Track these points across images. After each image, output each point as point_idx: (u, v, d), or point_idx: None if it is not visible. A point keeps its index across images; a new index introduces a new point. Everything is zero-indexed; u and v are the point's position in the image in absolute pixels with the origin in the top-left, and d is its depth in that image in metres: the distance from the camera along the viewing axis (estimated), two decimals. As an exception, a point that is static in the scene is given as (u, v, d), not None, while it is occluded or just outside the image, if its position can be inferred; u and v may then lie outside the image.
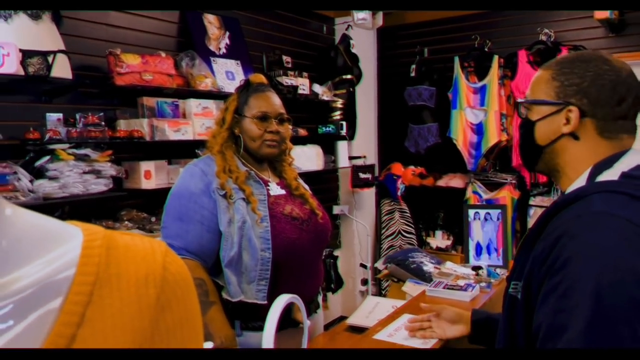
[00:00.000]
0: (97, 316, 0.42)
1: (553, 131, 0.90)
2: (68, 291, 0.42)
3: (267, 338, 0.81)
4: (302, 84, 3.26)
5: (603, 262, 0.73)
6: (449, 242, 3.87)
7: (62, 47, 2.01)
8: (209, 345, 0.67)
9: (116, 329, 0.42)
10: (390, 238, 3.98)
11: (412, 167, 4.00)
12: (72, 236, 0.45)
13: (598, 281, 0.72)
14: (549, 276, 0.78)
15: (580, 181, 0.87)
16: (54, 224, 0.46)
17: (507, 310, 0.89)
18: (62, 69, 1.96)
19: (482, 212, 1.97)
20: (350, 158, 3.79)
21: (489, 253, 1.95)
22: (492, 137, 3.55)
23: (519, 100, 0.99)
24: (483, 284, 1.77)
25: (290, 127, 1.62)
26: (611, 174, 0.84)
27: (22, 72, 1.84)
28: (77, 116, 2.12)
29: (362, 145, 4.00)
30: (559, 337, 0.74)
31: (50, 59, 1.91)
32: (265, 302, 1.43)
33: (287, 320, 1.19)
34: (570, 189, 0.89)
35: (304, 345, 0.99)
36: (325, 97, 3.48)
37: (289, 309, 1.16)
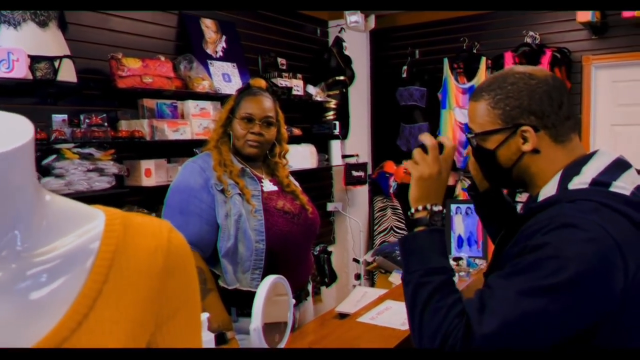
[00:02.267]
0: (118, 276, 0.54)
1: (514, 152, 0.95)
2: (95, 257, 0.54)
3: (256, 312, 0.93)
4: (297, 85, 3.38)
5: (567, 256, 0.80)
6: (439, 238, 3.99)
7: (68, 52, 2.13)
8: (204, 315, 0.78)
9: (132, 286, 0.55)
10: (382, 234, 4.11)
11: (404, 165, 4.11)
12: (96, 216, 0.58)
13: (557, 270, 0.79)
14: (514, 260, 0.85)
15: (551, 188, 0.93)
16: (81, 207, 0.59)
17: None
18: (67, 72, 2.08)
19: (463, 206, 2.09)
20: (344, 157, 3.91)
21: (469, 245, 2.08)
22: (480, 136, 3.67)
23: (469, 136, 1.01)
24: (462, 273, 1.89)
25: (278, 129, 1.71)
26: (582, 182, 0.88)
27: (30, 77, 1.96)
28: (81, 117, 2.24)
29: (355, 144, 4.12)
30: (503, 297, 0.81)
31: (56, 63, 2.03)
32: (259, 289, 1.55)
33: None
34: (542, 194, 0.95)
35: (290, 319, 1.10)
36: (318, 98, 3.60)
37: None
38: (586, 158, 0.92)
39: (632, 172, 0.91)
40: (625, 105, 3.48)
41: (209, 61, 2.86)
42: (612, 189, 0.86)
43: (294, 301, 1.15)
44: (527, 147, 0.94)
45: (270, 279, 1.02)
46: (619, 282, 0.80)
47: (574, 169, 0.91)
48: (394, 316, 1.54)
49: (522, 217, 0.93)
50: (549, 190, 0.93)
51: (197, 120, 2.61)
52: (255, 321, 0.93)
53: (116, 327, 0.52)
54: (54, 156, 2.12)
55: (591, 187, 0.87)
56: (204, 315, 0.82)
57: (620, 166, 0.90)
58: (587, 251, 0.79)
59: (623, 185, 0.86)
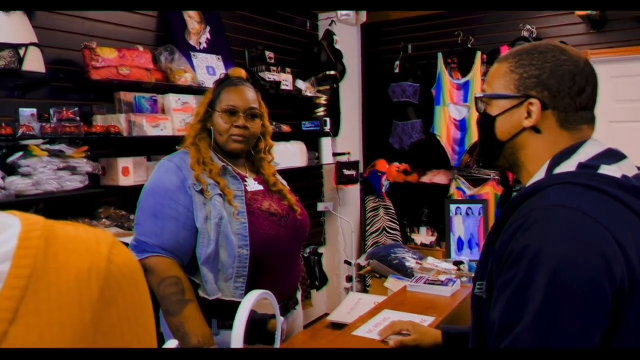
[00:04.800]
0: (32, 312, 0.39)
1: (514, 125, 0.88)
2: (2, 285, 0.39)
3: (236, 336, 0.78)
4: (285, 80, 3.22)
5: (553, 255, 0.71)
6: (433, 238, 3.87)
7: (35, 40, 1.96)
8: (172, 344, 0.63)
9: (53, 324, 0.39)
10: (374, 235, 3.98)
11: (396, 164, 4.00)
12: (9, 226, 0.42)
13: (547, 275, 0.71)
14: (503, 271, 0.77)
15: (539, 174, 0.86)
16: (-12, 214, 0.43)
17: (475, 310, 0.88)
18: (34, 62, 1.91)
19: (464, 207, 1.96)
20: (334, 154, 3.77)
21: (470, 248, 1.95)
22: (476, 133, 3.55)
23: (477, 95, 0.95)
24: (464, 279, 1.76)
25: (262, 122, 1.58)
26: (569, 165, 0.83)
27: (-9, 65, 1.79)
28: (51, 111, 2.07)
29: (346, 141, 3.99)
30: (509, 333, 0.73)
31: (21, 52, 1.86)
32: (243, 299, 1.40)
33: (262, 335, 1.12)
34: (530, 182, 0.87)
35: (277, 340, 0.96)
36: (308, 93, 3.45)
37: (263, 322, 1.08)
38: (576, 146, 0.85)
39: (627, 162, 0.83)
40: (623, 101, 3.38)
41: (192, 53, 2.69)
42: (600, 171, 0.79)
43: (282, 319, 1.01)
44: (528, 122, 0.87)
45: (251, 298, 0.87)
46: (618, 268, 0.71)
47: (563, 156, 0.85)
48: (392, 329, 1.39)
49: (507, 209, 0.83)
50: (537, 177, 0.86)
51: (179, 115, 2.44)
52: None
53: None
54: (20, 153, 1.95)
55: (578, 170, 0.81)
56: (173, 343, 0.67)
57: (612, 155, 0.84)
58: (572, 246, 0.71)
59: (614, 169, 0.80)
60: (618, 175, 0.79)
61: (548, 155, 0.86)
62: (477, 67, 3.56)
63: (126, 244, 1.50)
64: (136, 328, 0.44)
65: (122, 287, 0.43)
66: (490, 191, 3.57)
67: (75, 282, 0.41)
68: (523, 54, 0.88)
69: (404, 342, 1.27)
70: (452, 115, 3.67)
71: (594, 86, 0.87)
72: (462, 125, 3.63)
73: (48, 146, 2.01)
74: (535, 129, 0.86)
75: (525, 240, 0.74)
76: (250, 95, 1.53)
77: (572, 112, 0.86)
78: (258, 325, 0.90)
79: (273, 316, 0.94)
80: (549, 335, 0.70)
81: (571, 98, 0.85)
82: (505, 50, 3.46)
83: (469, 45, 3.68)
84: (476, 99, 0.95)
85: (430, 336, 1.27)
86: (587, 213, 0.73)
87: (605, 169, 0.79)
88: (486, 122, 0.92)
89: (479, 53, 3.56)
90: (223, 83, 1.54)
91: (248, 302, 0.83)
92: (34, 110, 2.06)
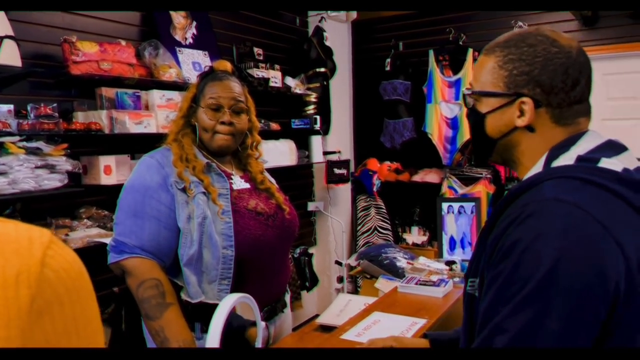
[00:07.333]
0: None
1: (505, 124, 0.85)
2: None
3: (212, 342, 0.72)
4: (274, 77, 3.16)
5: (544, 250, 0.69)
6: (424, 238, 3.82)
7: (10, 33, 1.87)
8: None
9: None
10: (366, 234, 3.92)
11: (387, 163, 3.95)
12: None
13: (536, 269, 0.68)
14: (493, 266, 0.74)
15: (537, 168, 0.83)
16: None
17: (467, 309, 0.84)
18: (9, 55, 1.83)
19: (456, 205, 1.91)
20: (325, 153, 3.71)
21: (462, 247, 1.90)
22: (467, 131, 3.51)
23: (465, 91, 0.90)
24: (457, 279, 1.71)
25: (249, 117, 1.52)
26: (567, 158, 0.79)
27: (-37, 59, 1.70)
28: (29, 107, 1.99)
29: (337, 140, 3.93)
30: (490, 323, 0.71)
31: (-5, 44, 1.77)
32: (227, 302, 1.33)
33: (239, 344, 1.06)
34: (527, 176, 0.84)
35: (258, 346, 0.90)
36: (298, 91, 3.39)
37: (241, 329, 1.02)
38: (575, 137, 0.82)
39: (628, 154, 0.80)
40: (616, 99, 3.36)
41: (177, 48, 2.62)
42: (600, 164, 0.76)
43: (263, 324, 0.94)
44: (521, 122, 0.83)
45: (228, 302, 0.80)
46: (614, 268, 0.68)
47: (561, 148, 0.82)
48: (383, 331, 1.34)
49: (502, 204, 0.80)
50: (534, 171, 0.82)
51: (163, 112, 2.37)
52: None
53: None
54: (-5, 151, 1.86)
55: (576, 163, 0.78)
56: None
57: (613, 147, 0.81)
58: (566, 242, 0.69)
59: (614, 162, 0.77)
60: (619, 168, 0.76)
61: (543, 149, 0.83)
62: (469, 64, 3.52)
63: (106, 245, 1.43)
64: (77, 342, 0.38)
65: (59, 294, 0.37)
66: (482, 190, 3.53)
67: (1, 291, 0.34)
68: (511, 47, 0.83)
69: None
70: (444, 113, 3.62)
71: (589, 76, 0.83)
72: (453, 124, 3.59)
73: (25, 143, 1.93)
74: (529, 127, 0.83)
75: (517, 234, 0.72)
76: (236, 90, 1.46)
77: (566, 107, 0.82)
78: (235, 333, 0.84)
79: (253, 323, 0.88)
80: (531, 326, 0.68)
81: (565, 93, 0.81)
82: (497, 47, 3.42)
83: (461, 43, 3.64)
84: (465, 95, 0.90)
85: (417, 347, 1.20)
86: (584, 208, 0.70)
87: (605, 162, 0.76)
88: (476, 119, 0.88)
89: (470, 50, 3.52)
90: (207, 77, 1.48)
91: (225, 307, 0.77)
92: (10, 107, 1.97)
